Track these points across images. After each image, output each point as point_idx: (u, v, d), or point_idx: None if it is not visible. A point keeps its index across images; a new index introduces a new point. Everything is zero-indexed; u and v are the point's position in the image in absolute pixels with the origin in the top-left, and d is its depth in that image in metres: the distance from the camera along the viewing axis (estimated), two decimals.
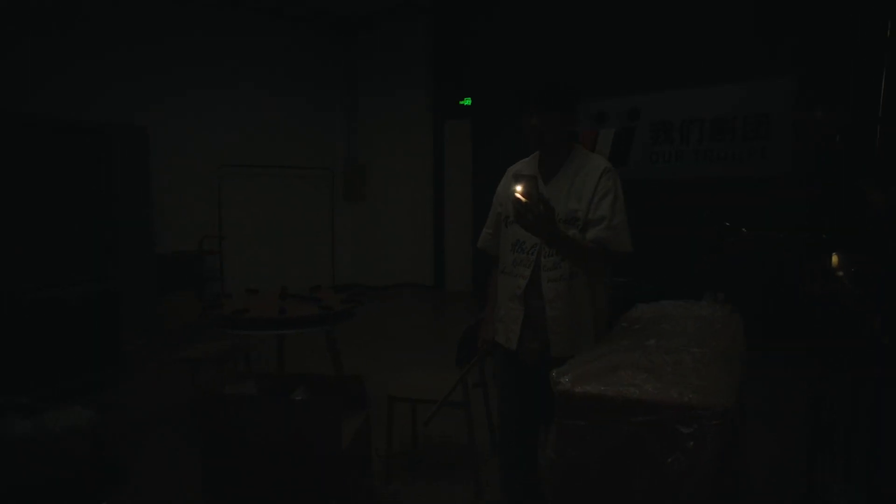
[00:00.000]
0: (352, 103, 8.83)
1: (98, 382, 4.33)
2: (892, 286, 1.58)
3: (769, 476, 2.86)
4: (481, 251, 2.31)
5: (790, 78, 5.16)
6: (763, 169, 5.32)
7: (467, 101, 7.86)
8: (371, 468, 2.68)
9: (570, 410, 1.52)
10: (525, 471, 2.13)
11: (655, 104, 5.99)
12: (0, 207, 4.62)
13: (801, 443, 1.99)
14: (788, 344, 4.56)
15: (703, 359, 1.66)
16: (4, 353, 3.78)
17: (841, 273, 1.55)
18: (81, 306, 4.33)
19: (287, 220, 8.09)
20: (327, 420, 2.12)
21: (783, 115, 5.20)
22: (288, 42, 8.02)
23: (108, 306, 4.52)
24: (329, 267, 8.59)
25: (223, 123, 7.31)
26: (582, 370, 1.60)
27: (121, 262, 5.53)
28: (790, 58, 5.18)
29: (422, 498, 2.83)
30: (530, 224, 1.73)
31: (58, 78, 5.71)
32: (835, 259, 1.55)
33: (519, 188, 1.71)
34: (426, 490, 2.91)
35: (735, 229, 1.89)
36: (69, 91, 5.79)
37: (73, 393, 3.90)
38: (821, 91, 4.97)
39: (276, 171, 7.88)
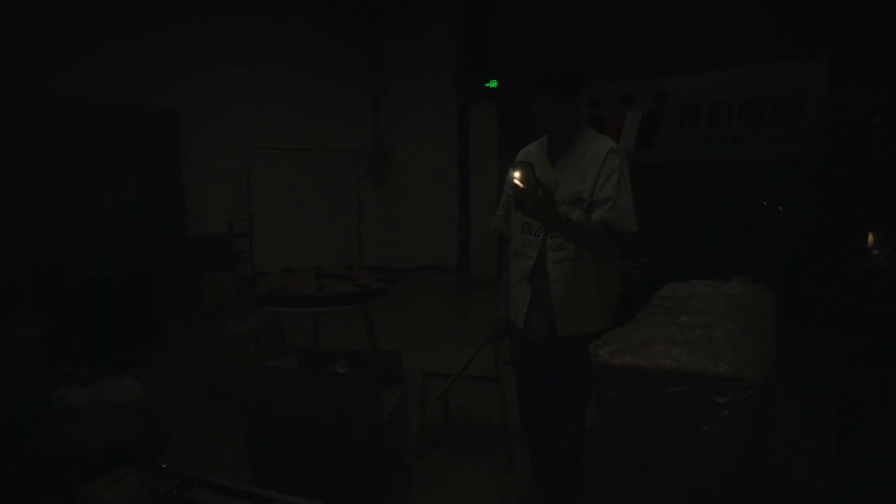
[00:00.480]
0: (378, 86, 8.88)
1: (138, 358, 4.51)
2: None
3: (798, 448, 2.91)
4: (494, 232, 2.38)
5: (822, 59, 5.09)
6: (794, 151, 5.27)
7: (493, 84, 7.86)
8: (407, 441, 2.79)
9: (608, 382, 1.59)
10: (550, 447, 2.24)
11: (683, 86, 5.95)
12: (47, 191, 4.81)
13: (830, 418, 2.04)
14: (818, 325, 4.59)
15: (736, 334, 1.72)
16: (56, 329, 3.94)
17: (877, 251, 1.59)
18: (123, 285, 4.50)
19: (314, 202, 8.22)
20: (369, 392, 2.22)
21: (815, 96, 5.13)
22: (316, 25, 8.09)
23: (146, 285, 4.69)
24: (355, 248, 8.71)
25: (252, 107, 7.42)
26: (619, 343, 1.67)
27: (154, 243, 5.71)
28: (822, 38, 5.10)
29: (454, 471, 2.93)
30: (529, 209, 1.80)
31: (92, 61, 5.84)
32: (871, 238, 1.59)
33: (517, 175, 1.78)
34: (458, 464, 3.01)
35: (772, 208, 1.93)
36: (103, 75, 5.91)
37: (114, 368, 4.08)
38: (855, 72, 4.90)
39: (303, 154, 7.99)
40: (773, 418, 1.62)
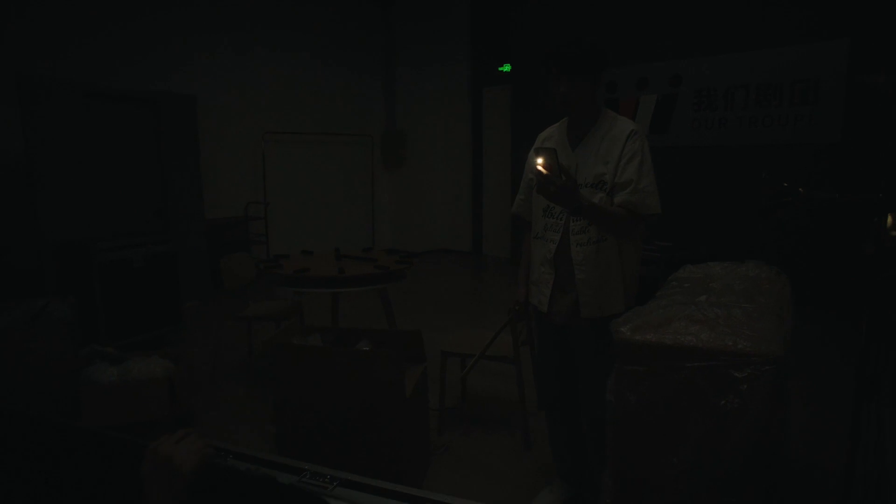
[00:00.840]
0: (391, 70, 8.89)
1: (160, 339, 4.61)
2: None
3: (811, 427, 2.96)
4: (515, 216, 2.38)
5: (842, 41, 5.05)
6: (811, 135, 5.25)
7: (507, 68, 7.85)
8: (427, 418, 2.86)
9: (629, 357, 1.65)
10: (569, 426, 2.29)
11: (699, 70, 5.92)
12: (70, 174, 4.89)
13: (844, 397, 2.09)
14: (835, 306, 4.61)
15: (753, 313, 1.76)
16: (82, 309, 4.04)
17: (895, 232, 1.62)
18: (145, 267, 4.59)
19: (328, 186, 8.28)
20: (393, 370, 2.28)
21: (834, 79, 5.10)
22: (330, 9, 8.09)
23: (168, 267, 4.77)
24: (369, 232, 8.78)
25: (267, 91, 7.46)
26: (640, 321, 1.72)
27: (173, 226, 5.80)
28: (842, 20, 5.06)
29: (472, 448, 3.01)
30: (552, 195, 1.81)
31: (113, 46, 5.90)
32: (890, 219, 1.62)
33: (540, 161, 1.78)
34: (477, 441, 3.08)
35: (793, 189, 1.96)
36: (124, 60, 5.97)
37: (137, 348, 4.19)
38: (876, 54, 4.86)
39: (317, 138, 8.04)
40: (789, 395, 1.66)
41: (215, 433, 3.18)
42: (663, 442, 1.63)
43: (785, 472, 1.87)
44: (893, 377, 1.70)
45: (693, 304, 1.83)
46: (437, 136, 8.73)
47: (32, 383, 2.89)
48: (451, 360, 3.11)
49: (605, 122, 2.06)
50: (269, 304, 4.16)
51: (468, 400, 3.50)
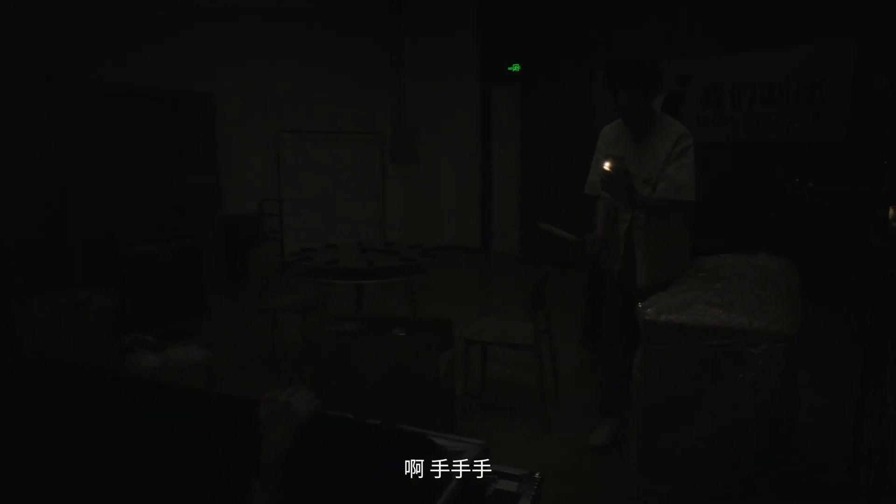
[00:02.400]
0: (402, 69, 9.03)
1: (186, 330, 4.78)
2: None
3: (818, 416, 3.11)
4: (589, 194, 2.84)
5: (848, 41, 5.19)
6: (817, 133, 5.39)
7: (516, 68, 7.99)
8: (454, 402, 3.02)
9: (654, 337, 1.81)
10: (621, 380, 2.57)
11: (706, 68, 6.07)
12: (98, 170, 5.07)
13: (850, 384, 2.24)
14: (841, 297, 4.77)
15: (766, 298, 1.93)
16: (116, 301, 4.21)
17: None
18: (170, 261, 4.75)
19: (339, 183, 8.43)
20: (426, 354, 2.45)
21: (840, 78, 5.24)
22: (341, 9, 8.24)
23: (192, 261, 4.94)
24: (380, 228, 8.94)
25: (280, 90, 7.61)
26: (663, 304, 1.88)
27: (192, 221, 5.97)
28: (848, 20, 5.20)
29: (495, 431, 3.16)
30: (617, 193, 2.30)
31: (135, 46, 6.05)
32: (892, 211, 1.77)
33: (607, 165, 2.22)
34: (499, 425, 3.24)
35: (804, 183, 2.11)
36: (147, 59, 6.13)
37: (164, 339, 4.35)
38: (881, 54, 5.00)
39: (329, 136, 8.19)
40: (799, 373, 1.82)
41: None
42: (684, 414, 1.79)
43: (796, 441, 2.03)
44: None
45: (710, 289, 1.99)
46: (447, 135, 8.89)
47: None
48: (472, 349, 3.27)
49: (660, 125, 2.51)
50: (294, 295, 4.33)
51: (489, 386, 3.66)
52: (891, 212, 1.78)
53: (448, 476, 0.92)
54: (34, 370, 1.49)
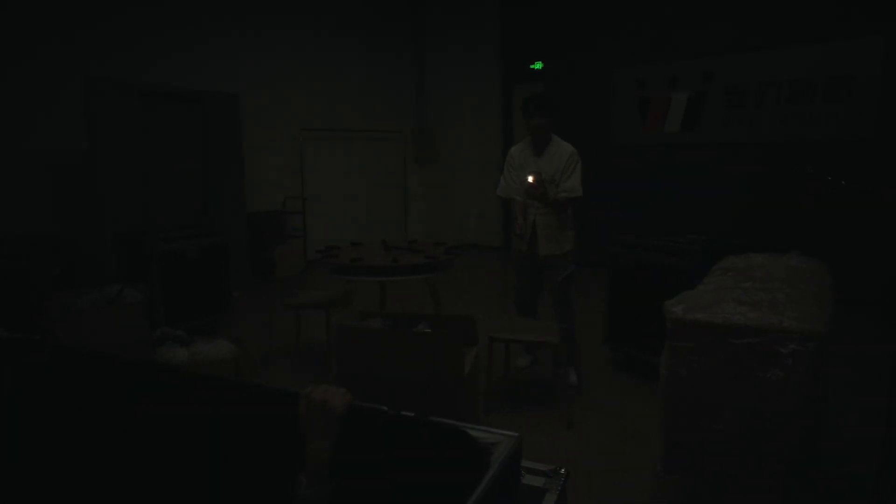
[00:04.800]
0: (423, 68, 9.07)
1: (211, 326, 4.86)
2: None
3: (847, 418, 3.08)
4: (501, 196, 3.74)
5: (877, 37, 5.11)
6: (845, 131, 5.31)
7: (538, 66, 7.98)
8: (478, 397, 3.04)
9: (681, 335, 1.81)
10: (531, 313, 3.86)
11: (730, 67, 6.01)
12: (127, 168, 5.17)
13: (881, 385, 2.22)
14: (873, 298, 4.70)
15: (796, 297, 1.91)
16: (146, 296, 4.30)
17: None
18: (196, 258, 4.84)
19: (361, 181, 8.51)
20: (452, 350, 2.47)
21: (869, 75, 5.15)
22: (363, 9, 8.30)
23: (218, 257, 5.02)
24: (401, 226, 9.00)
25: (303, 90, 7.70)
26: (690, 303, 1.88)
27: (217, 219, 6.05)
28: (876, 16, 5.11)
29: (518, 427, 3.17)
30: (537, 197, 3.38)
31: (163, 48, 6.17)
32: None
33: (531, 178, 3.31)
34: (520, 420, 3.25)
35: (836, 181, 2.10)
36: (173, 61, 6.24)
37: (192, 334, 4.43)
38: None
39: (351, 135, 8.27)
40: (829, 375, 1.81)
41: None
42: (711, 411, 1.80)
43: (824, 443, 2.02)
44: None
45: (739, 288, 1.99)
46: (468, 133, 8.91)
47: None
48: (497, 345, 3.29)
49: (555, 143, 3.58)
50: (318, 292, 4.38)
51: (512, 383, 3.67)
52: None
53: (484, 467, 0.94)
54: (86, 360, 1.54)
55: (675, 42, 6.41)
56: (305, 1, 7.65)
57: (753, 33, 5.83)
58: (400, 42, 8.86)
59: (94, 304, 3.24)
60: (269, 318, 4.31)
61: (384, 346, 2.57)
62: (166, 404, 1.38)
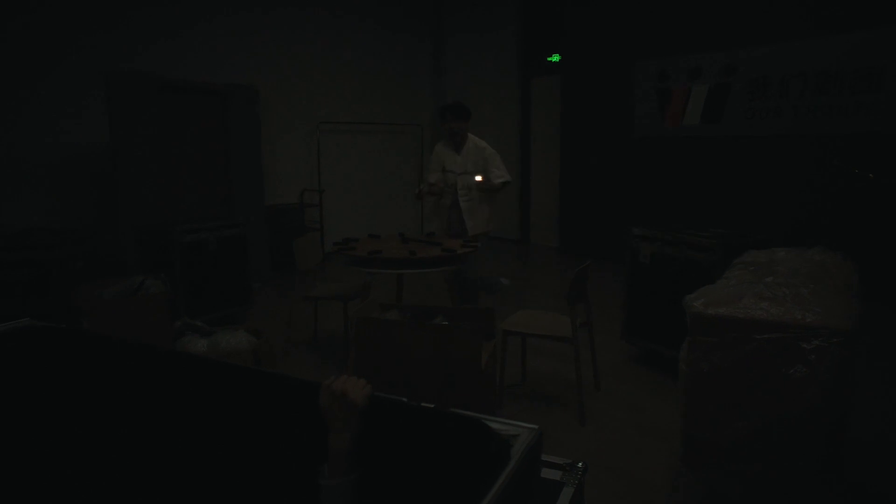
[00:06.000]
0: (440, 60, 9.05)
1: (232, 317, 4.91)
2: None
3: (873, 417, 3.03)
4: (433, 185, 4.39)
5: None
6: (874, 123, 5.18)
7: (556, 58, 7.92)
8: (493, 391, 3.04)
9: (701, 329, 1.79)
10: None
11: (754, 58, 5.90)
12: (150, 162, 5.24)
13: None
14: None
15: (821, 293, 1.88)
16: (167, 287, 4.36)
17: None
18: (217, 250, 4.89)
19: (379, 174, 8.53)
20: (470, 343, 2.47)
21: None
22: (381, 2, 8.29)
23: (238, 250, 5.07)
24: (417, 219, 9.01)
25: (321, 83, 7.73)
26: (710, 297, 1.86)
27: (237, 211, 6.11)
28: None
29: (533, 422, 3.16)
30: (485, 189, 4.23)
31: (183, 42, 6.22)
32: None
33: (479, 178, 4.19)
34: (535, 416, 3.25)
35: (864, 174, 2.06)
36: (194, 55, 6.30)
37: (213, 325, 4.48)
38: None
39: (368, 128, 8.28)
40: (855, 372, 1.78)
41: None
42: (732, 407, 1.78)
43: (848, 441, 1.99)
44: None
45: (761, 283, 1.96)
46: (485, 126, 8.83)
47: None
48: (510, 339, 3.29)
49: (471, 142, 4.30)
50: (336, 284, 4.40)
51: (528, 377, 3.67)
52: None
53: (504, 460, 0.94)
54: (113, 347, 1.57)
55: (697, 33, 6.32)
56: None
57: (778, 24, 5.72)
58: (418, 35, 8.85)
59: (117, 294, 3.30)
60: (289, 311, 4.34)
61: (402, 339, 2.58)
62: (192, 391, 1.40)
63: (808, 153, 5.59)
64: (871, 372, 3.46)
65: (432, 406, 1.12)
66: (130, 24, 5.76)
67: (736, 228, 3.94)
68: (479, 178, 4.13)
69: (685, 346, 1.82)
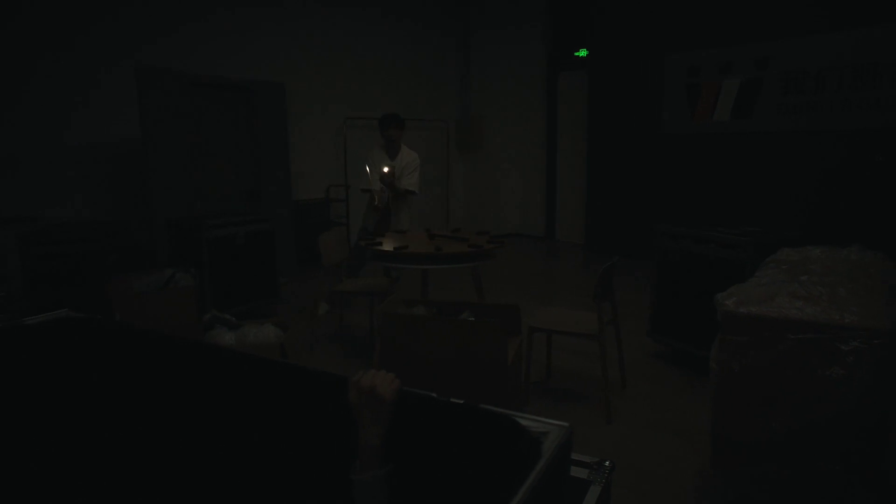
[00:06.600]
0: (466, 56, 9.02)
1: (259, 310, 4.97)
2: None
3: None
4: (369, 190, 4.84)
5: None
6: None
7: (583, 53, 7.84)
8: (519, 388, 3.03)
9: (733, 328, 1.76)
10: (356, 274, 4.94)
11: (788, 51, 5.76)
12: (179, 157, 5.33)
13: None
14: None
15: (859, 292, 1.83)
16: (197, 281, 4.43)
17: None
18: (245, 244, 4.95)
19: None
20: (496, 339, 2.46)
21: None
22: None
23: (266, 244, 5.12)
24: (443, 215, 9.01)
25: (348, 79, 7.76)
26: (742, 296, 1.83)
27: (264, 206, 6.18)
28: None
29: (558, 419, 3.15)
30: (387, 183, 4.60)
31: (211, 39, 6.30)
32: None
33: (386, 169, 4.56)
34: (560, 414, 3.21)
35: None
36: (221, 52, 6.37)
37: (240, 319, 4.54)
38: None
39: None
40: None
41: None
42: (764, 408, 1.74)
43: (890, 442, 1.94)
44: None
45: (795, 281, 1.92)
46: (512, 122, 8.83)
47: None
48: (536, 336, 3.27)
49: (404, 149, 4.81)
50: (362, 279, 4.43)
51: (553, 374, 3.65)
52: None
53: (535, 457, 0.93)
54: (146, 338, 1.60)
55: (729, 26, 6.19)
56: None
57: (813, 15, 5.57)
58: (445, 30, 8.83)
59: (148, 287, 3.36)
60: (315, 305, 4.38)
61: (428, 334, 2.58)
62: (221, 384, 1.42)
63: (845, 149, 5.44)
64: None
65: (462, 402, 1.11)
66: (161, 20, 5.85)
67: (767, 226, 3.86)
68: (386, 168, 4.57)
69: (716, 345, 1.79)
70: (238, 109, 6.07)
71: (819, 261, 2.23)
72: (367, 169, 4.89)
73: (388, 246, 3.60)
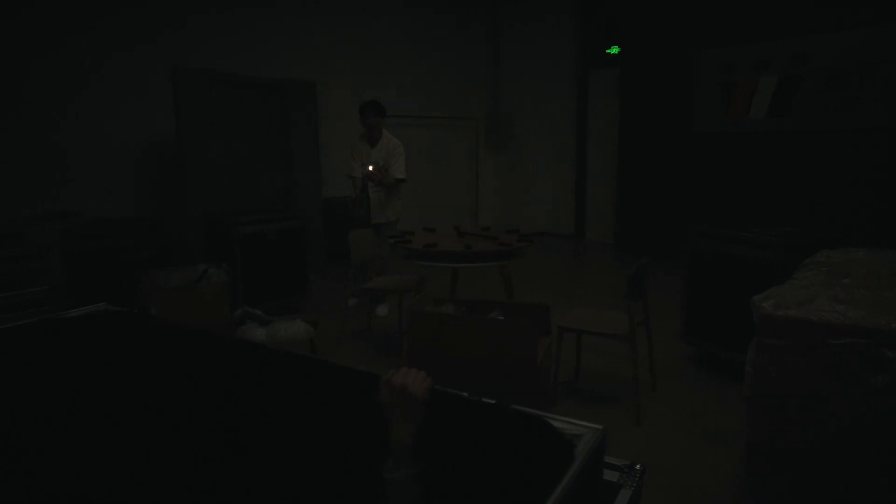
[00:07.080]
0: (497, 54, 8.99)
1: (288, 307, 5.03)
2: None
3: None
4: (352, 177, 4.82)
5: None
6: None
7: (615, 50, 7.74)
8: (549, 387, 3.01)
9: (770, 331, 1.71)
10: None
11: (829, 46, 5.60)
12: (213, 155, 5.42)
13: None
14: None
15: None
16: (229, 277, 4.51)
17: None
18: (276, 240, 5.01)
19: (434, 167, 8.55)
20: (526, 338, 2.45)
21: None
22: None
23: (296, 241, 5.19)
24: (472, 213, 9.00)
25: (378, 78, 7.79)
26: (780, 298, 1.78)
27: (296, 203, 6.25)
28: None
29: (587, 421, 3.12)
30: (376, 181, 4.56)
31: (246, 39, 6.39)
32: None
33: (371, 168, 4.49)
34: (589, 415, 3.18)
35: None
36: (255, 51, 6.46)
37: (271, 314, 4.60)
38: None
39: (424, 122, 8.30)
40: None
41: None
42: (802, 415, 1.69)
43: None
44: None
45: (837, 284, 1.86)
46: (542, 120, 8.77)
47: None
48: (565, 336, 3.24)
49: (386, 137, 4.72)
50: (391, 277, 4.45)
51: (583, 375, 3.62)
52: None
53: (568, 460, 0.92)
54: (181, 332, 1.63)
55: (766, 20, 6.04)
56: None
57: (854, 9, 5.40)
58: (475, 27, 8.80)
59: (181, 282, 3.43)
60: (344, 302, 4.41)
61: (457, 332, 2.58)
62: (252, 379, 1.44)
63: (890, 147, 5.27)
64: None
65: (493, 402, 1.10)
66: (195, 21, 5.95)
67: (803, 227, 3.76)
68: (371, 167, 4.47)
69: (752, 349, 1.75)
70: (271, 108, 6.14)
71: (862, 263, 2.16)
72: (351, 160, 4.87)
73: (417, 244, 3.61)
